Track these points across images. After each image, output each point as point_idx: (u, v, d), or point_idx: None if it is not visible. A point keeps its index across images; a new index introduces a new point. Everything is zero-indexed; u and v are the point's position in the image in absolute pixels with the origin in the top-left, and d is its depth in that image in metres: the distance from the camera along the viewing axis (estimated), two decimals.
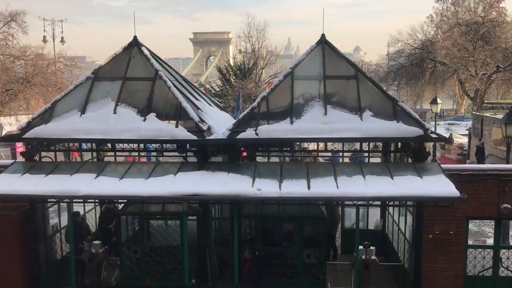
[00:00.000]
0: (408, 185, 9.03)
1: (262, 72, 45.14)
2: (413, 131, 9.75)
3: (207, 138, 9.97)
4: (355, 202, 9.50)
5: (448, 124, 61.56)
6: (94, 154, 12.89)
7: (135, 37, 11.77)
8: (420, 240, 10.32)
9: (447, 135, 46.50)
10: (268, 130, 10.06)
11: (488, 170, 10.58)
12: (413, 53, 45.57)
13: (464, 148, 30.58)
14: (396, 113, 10.16)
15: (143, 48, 11.65)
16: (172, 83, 11.12)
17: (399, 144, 10.99)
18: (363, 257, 10.23)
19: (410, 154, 10.32)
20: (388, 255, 12.63)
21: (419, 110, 63.83)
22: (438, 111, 24.29)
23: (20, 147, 37.05)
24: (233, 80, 40.60)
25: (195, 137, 9.97)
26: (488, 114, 26.72)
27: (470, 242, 11.10)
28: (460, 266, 10.81)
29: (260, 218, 10.63)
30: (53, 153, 11.80)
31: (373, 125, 9.87)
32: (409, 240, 10.89)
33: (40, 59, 35.29)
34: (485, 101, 42.65)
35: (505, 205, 10.48)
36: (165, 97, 10.77)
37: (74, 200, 10.16)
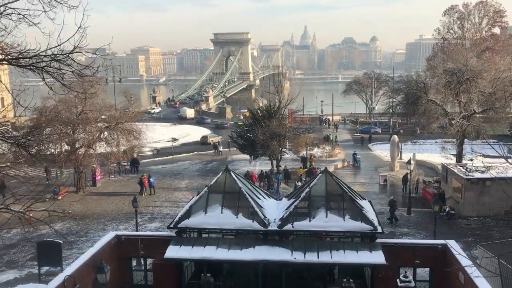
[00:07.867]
0: (364, 256, 19.58)
1: (284, 110, 55.33)
2: (368, 227, 20.23)
3: (268, 228, 20.61)
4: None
5: (444, 142, 70.12)
6: None
7: (227, 166, 22.44)
8: (374, 279, 20.87)
9: (441, 154, 55.20)
10: (299, 225, 20.65)
11: (407, 243, 21.09)
12: (410, 93, 55.35)
13: (439, 185, 40.53)
14: (361, 216, 20.60)
15: (232, 173, 22.27)
16: (247, 193, 21.73)
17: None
18: (347, 285, 20.83)
19: (367, 238, 20.85)
20: (362, 284, 23.12)
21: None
22: (412, 168, 34.44)
23: (98, 175, 48.66)
24: (261, 119, 50.88)
25: (262, 228, 20.65)
26: (452, 167, 36.58)
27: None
28: None
29: (294, 267, 21.23)
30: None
31: (349, 224, 20.38)
32: (370, 277, 21.43)
33: (118, 111, 46.63)
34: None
35: (417, 261, 20.94)
36: (245, 204, 21.36)
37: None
